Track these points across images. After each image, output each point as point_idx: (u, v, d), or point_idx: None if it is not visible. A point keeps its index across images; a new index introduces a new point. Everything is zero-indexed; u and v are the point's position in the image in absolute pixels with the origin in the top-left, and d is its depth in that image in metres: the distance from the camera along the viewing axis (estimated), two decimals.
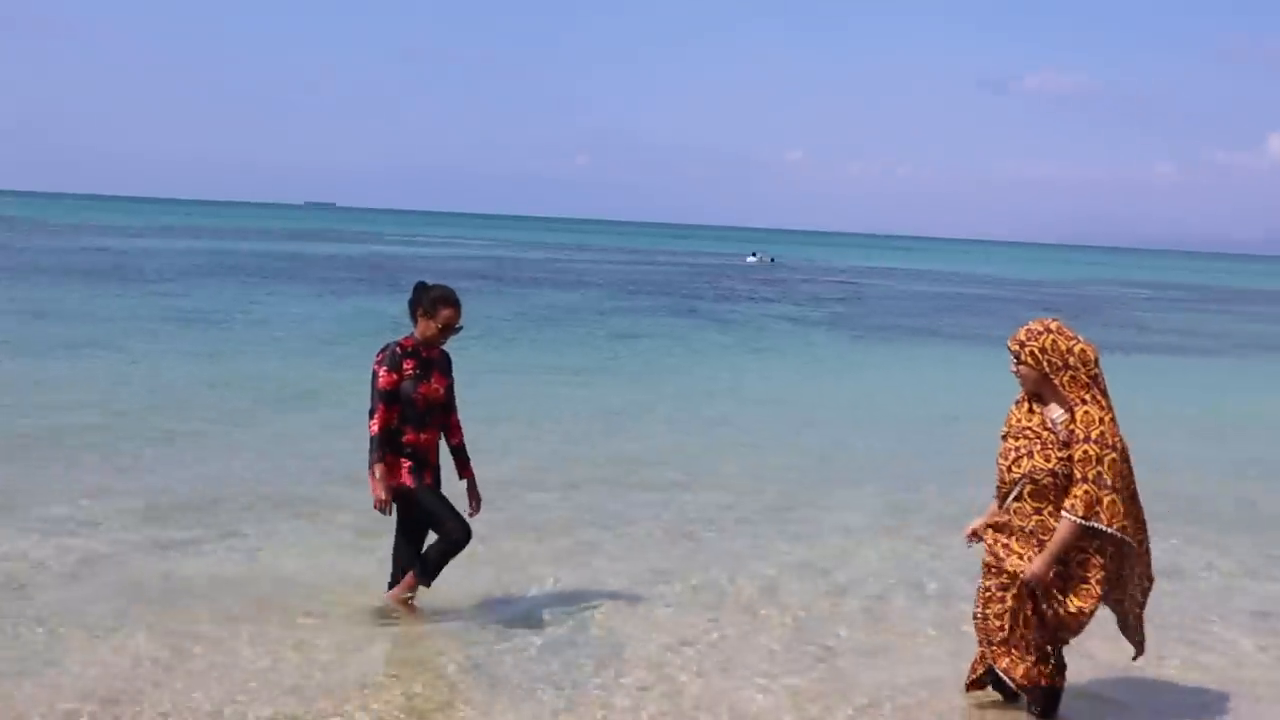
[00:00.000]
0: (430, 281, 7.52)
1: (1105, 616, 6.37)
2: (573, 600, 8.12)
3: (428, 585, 7.51)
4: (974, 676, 6.56)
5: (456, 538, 7.33)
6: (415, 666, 6.84)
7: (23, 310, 27.59)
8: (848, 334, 33.85)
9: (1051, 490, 5.97)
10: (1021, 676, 6.25)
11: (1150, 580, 6.33)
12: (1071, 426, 5.93)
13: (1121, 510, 5.92)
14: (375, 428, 7.19)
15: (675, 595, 8.40)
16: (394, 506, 7.33)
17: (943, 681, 6.87)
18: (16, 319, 25.80)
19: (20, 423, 13.72)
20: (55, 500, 10.20)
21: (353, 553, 8.95)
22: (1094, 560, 6.02)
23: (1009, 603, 6.12)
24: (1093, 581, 6.05)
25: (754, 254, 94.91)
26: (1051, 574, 5.97)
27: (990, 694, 6.55)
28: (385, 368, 7.20)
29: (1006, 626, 6.16)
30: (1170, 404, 20.76)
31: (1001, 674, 6.30)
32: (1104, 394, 6.00)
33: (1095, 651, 7.27)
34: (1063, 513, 5.90)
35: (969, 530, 6.36)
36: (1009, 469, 6.10)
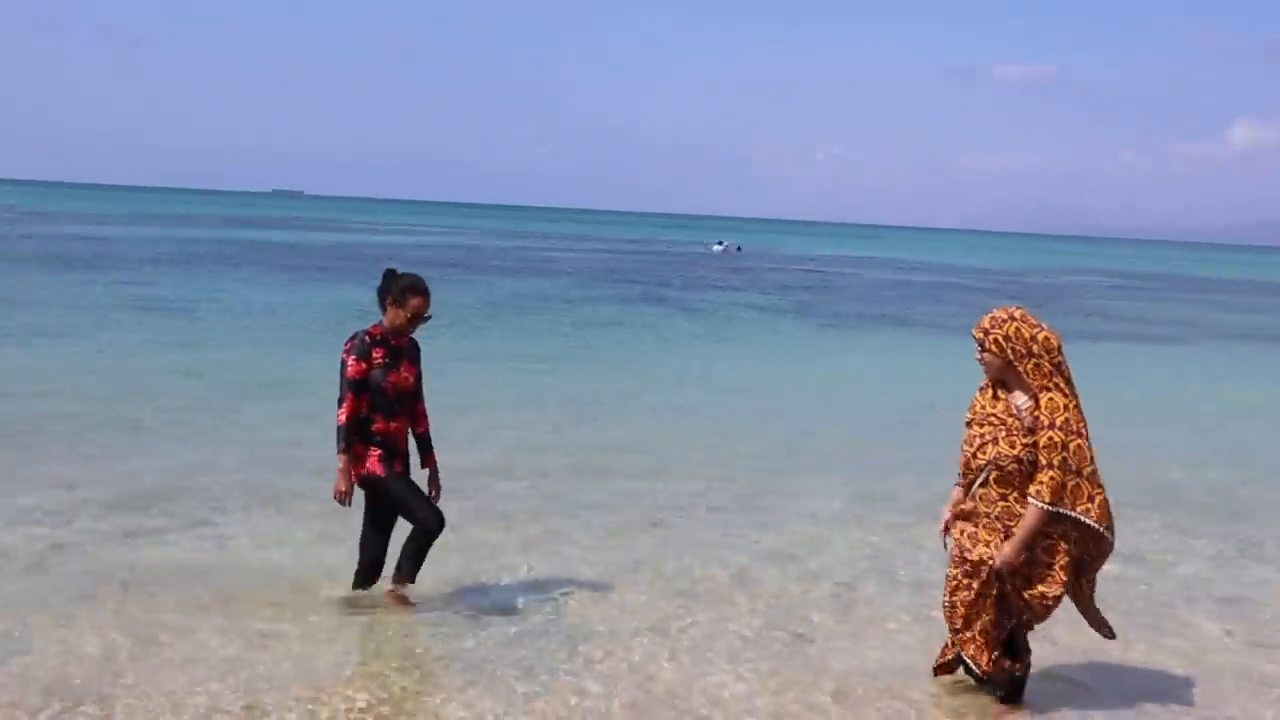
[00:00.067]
0: (399, 269, 7.49)
1: (1068, 602, 6.42)
2: (544, 588, 8.13)
3: (413, 581, 7.50)
4: (943, 660, 6.62)
5: (430, 527, 7.33)
6: (387, 655, 6.83)
7: None
8: (815, 322, 33.95)
9: (1016, 476, 6.02)
10: (986, 663, 6.31)
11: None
12: (1036, 413, 5.98)
13: (1085, 494, 5.99)
14: (343, 417, 7.15)
15: (646, 583, 8.42)
16: (362, 495, 7.33)
17: (914, 668, 6.91)
18: None
19: None
20: (22, 489, 10.14)
21: (323, 542, 8.92)
22: (1059, 546, 6.07)
23: (975, 590, 6.17)
24: (1057, 567, 6.11)
25: (721, 243, 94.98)
26: (1021, 560, 6.02)
27: (959, 677, 6.61)
28: (354, 356, 7.17)
29: (973, 614, 6.20)
30: (1136, 392, 20.93)
31: (968, 660, 6.37)
32: (1068, 381, 6.05)
33: (1060, 636, 7.33)
34: (1029, 499, 5.95)
35: (944, 524, 6.40)
36: (974, 455, 6.15)
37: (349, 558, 7.81)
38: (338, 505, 7.29)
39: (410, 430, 7.47)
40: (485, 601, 7.80)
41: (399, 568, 7.47)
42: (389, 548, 7.59)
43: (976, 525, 6.17)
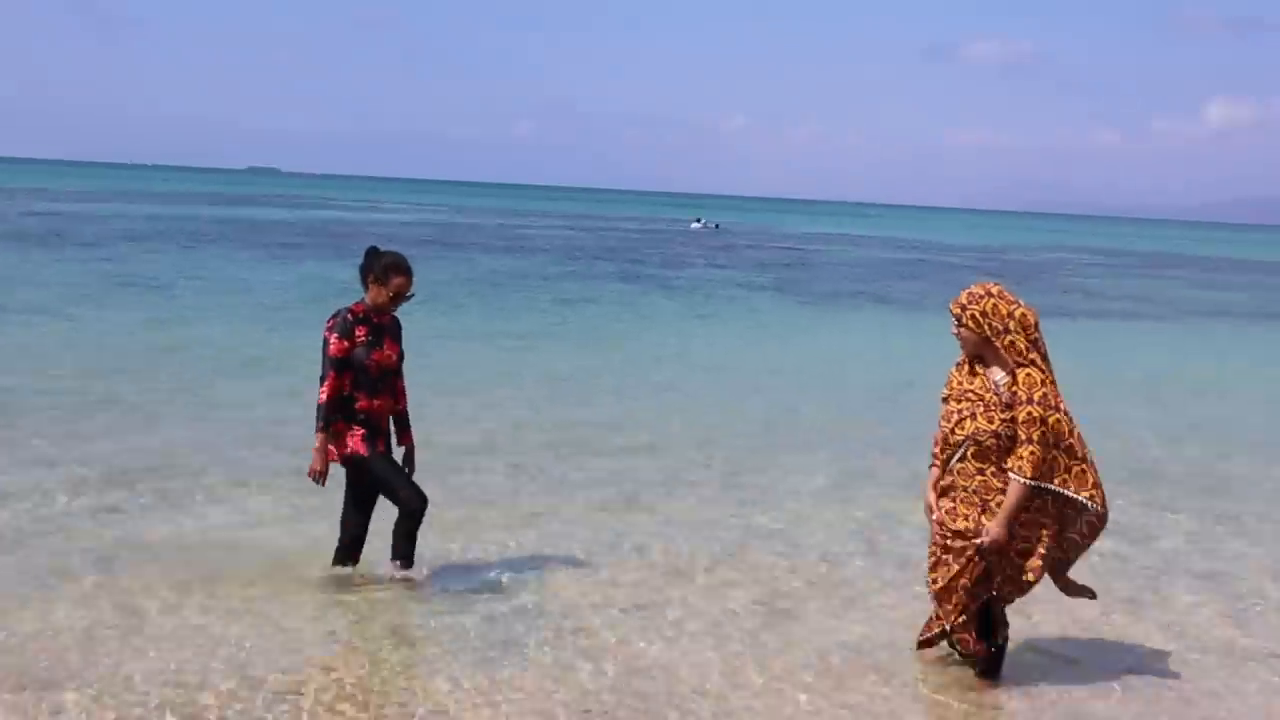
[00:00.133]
0: (381, 247, 7.46)
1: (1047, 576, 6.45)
2: (526, 566, 8.13)
3: (411, 564, 7.47)
4: (926, 636, 6.65)
5: (413, 508, 7.31)
6: (372, 632, 6.84)
7: None
8: (793, 299, 33.98)
9: (994, 451, 6.06)
10: (966, 639, 6.37)
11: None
12: (1014, 388, 6.02)
13: (1064, 466, 6.03)
14: (324, 395, 7.13)
15: (628, 560, 8.44)
16: (339, 473, 7.32)
17: (896, 643, 6.96)
18: None
19: None
20: (0, 467, 10.08)
21: (305, 519, 8.90)
22: (1039, 521, 6.12)
23: (956, 565, 6.20)
24: (1034, 541, 6.16)
25: (698, 220, 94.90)
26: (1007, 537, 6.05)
27: (941, 651, 6.67)
28: (336, 335, 7.13)
29: (955, 588, 6.24)
30: (1113, 368, 21.04)
31: (950, 636, 6.42)
32: (1044, 358, 6.10)
33: (1038, 610, 7.38)
34: (1011, 475, 5.98)
35: (927, 506, 6.43)
36: (952, 431, 6.18)
37: (331, 535, 7.80)
38: (333, 483, 7.27)
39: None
40: (469, 579, 7.80)
41: (396, 555, 7.43)
42: (369, 526, 7.59)
43: (954, 500, 6.21)
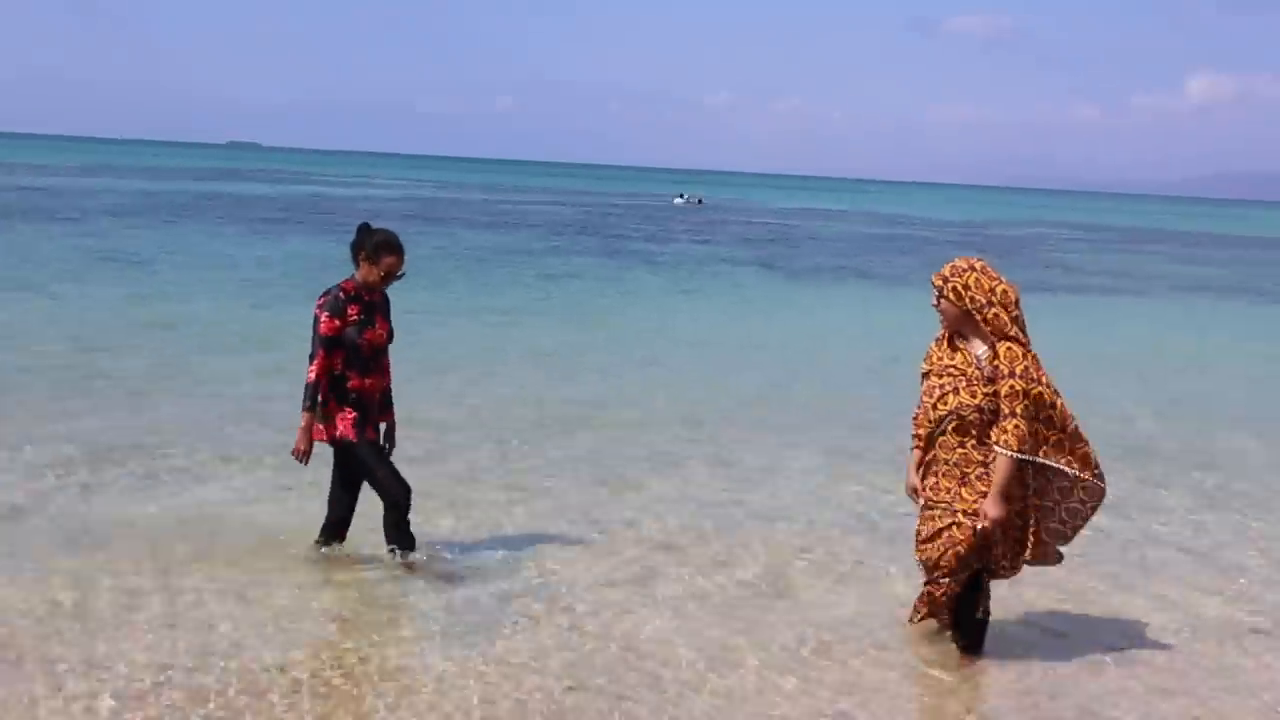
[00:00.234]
0: (372, 225, 7.40)
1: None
2: (514, 544, 8.13)
3: (413, 549, 7.45)
4: (917, 612, 6.67)
5: (395, 498, 7.30)
6: (361, 613, 6.83)
7: None
8: (779, 274, 33.98)
9: (975, 426, 6.09)
10: (948, 613, 6.43)
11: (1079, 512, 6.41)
12: (995, 363, 6.04)
13: (1046, 438, 6.06)
14: (313, 374, 7.09)
15: (619, 537, 8.45)
16: (326, 453, 7.31)
17: (883, 618, 7.01)
18: None
19: None
20: None
21: (292, 498, 8.88)
22: (1023, 494, 6.15)
23: (942, 540, 6.23)
24: (1028, 516, 6.21)
25: (682, 195, 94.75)
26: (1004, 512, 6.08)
27: (934, 626, 6.71)
28: (327, 313, 7.08)
29: (941, 564, 6.26)
30: (1096, 344, 21.14)
31: (937, 612, 6.47)
32: (1023, 333, 6.12)
33: (1026, 584, 7.39)
34: (996, 449, 6.01)
35: (909, 489, 6.46)
36: (934, 406, 6.21)
37: (320, 513, 7.78)
38: (320, 462, 7.26)
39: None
40: (458, 557, 7.79)
41: (391, 544, 7.41)
42: (356, 507, 7.58)
43: (936, 476, 6.24)
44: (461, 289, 25.19)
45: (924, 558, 6.38)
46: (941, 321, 6.25)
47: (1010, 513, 6.12)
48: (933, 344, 6.36)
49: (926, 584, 6.44)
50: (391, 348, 7.46)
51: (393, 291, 7.42)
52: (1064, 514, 6.31)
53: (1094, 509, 6.36)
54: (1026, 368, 6.01)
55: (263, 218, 46.15)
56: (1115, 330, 24.55)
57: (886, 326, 22.82)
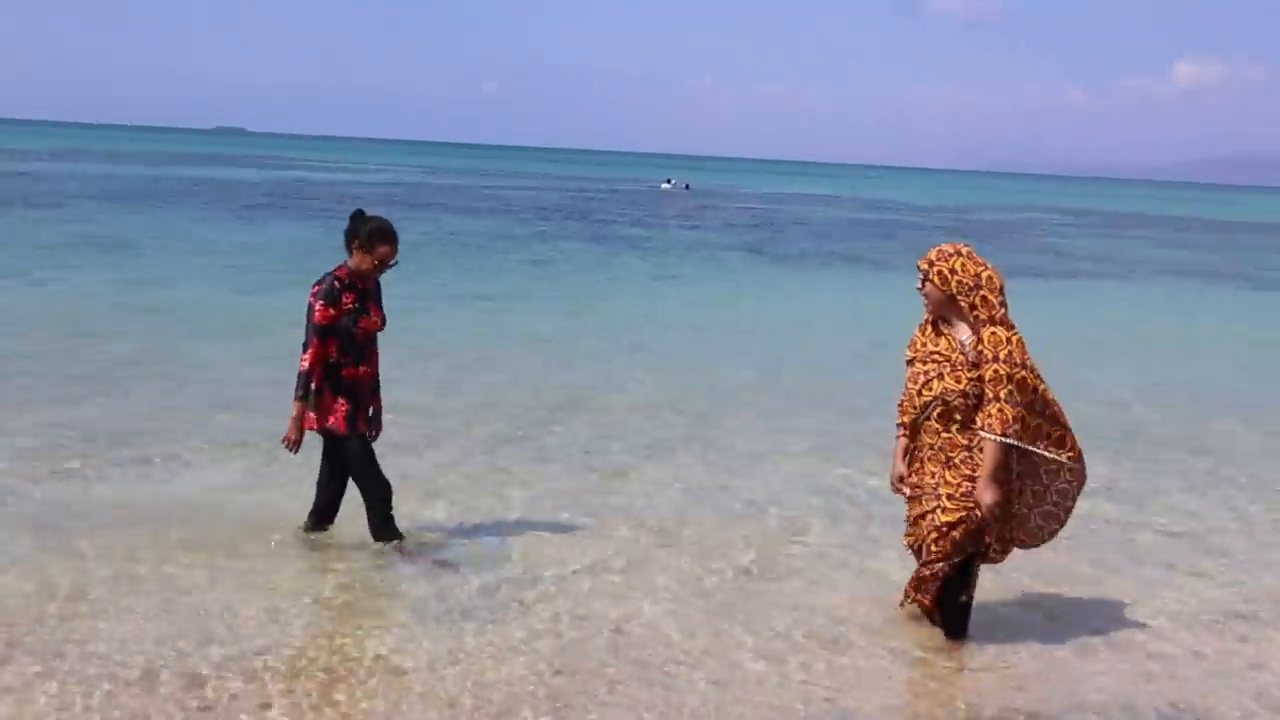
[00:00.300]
0: (366, 211, 7.36)
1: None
2: (507, 531, 8.14)
3: (402, 538, 7.46)
4: (912, 598, 6.69)
5: (376, 496, 7.32)
6: (354, 600, 6.85)
7: None
8: (767, 260, 33.98)
9: (959, 411, 6.11)
10: (932, 600, 6.43)
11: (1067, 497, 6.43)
12: (979, 347, 6.05)
13: (1032, 425, 6.08)
14: (307, 363, 7.06)
15: (612, 524, 8.45)
16: (319, 440, 7.31)
17: (882, 604, 7.03)
18: None
19: None
20: None
21: (281, 485, 8.84)
22: (1003, 477, 6.17)
23: (926, 523, 6.26)
24: (1021, 501, 6.25)
25: (669, 180, 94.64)
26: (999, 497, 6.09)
27: (914, 613, 6.73)
28: (322, 302, 7.05)
29: (934, 549, 6.27)
30: (1086, 328, 21.19)
31: (925, 596, 6.47)
32: (1008, 318, 6.13)
33: (1017, 568, 7.42)
34: (982, 434, 6.02)
35: (895, 478, 6.47)
36: (919, 392, 6.23)
37: (309, 500, 7.77)
38: (310, 449, 7.25)
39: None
40: (452, 544, 7.80)
41: (379, 539, 7.41)
42: (345, 493, 7.58)
43: (922, 461, 6.26)
44: (449, 274, 25.14)
45: (912, 542, 6.44)
46: (926, 306, 6.26)
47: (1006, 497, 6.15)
48: (917, 331, 6.38)
49: (921, 566, 6.45)
50: (380, 334, 7.45)
51: (380, 276, 7.41)
52: (1055, 495, 6.33)
53: (1079, 490, 6.38)
54: (1010, 352, 6.03)
55: (248, 203, 45.99)
56: (1102, 315, 24.59)
57: (874, 311, 22.84)
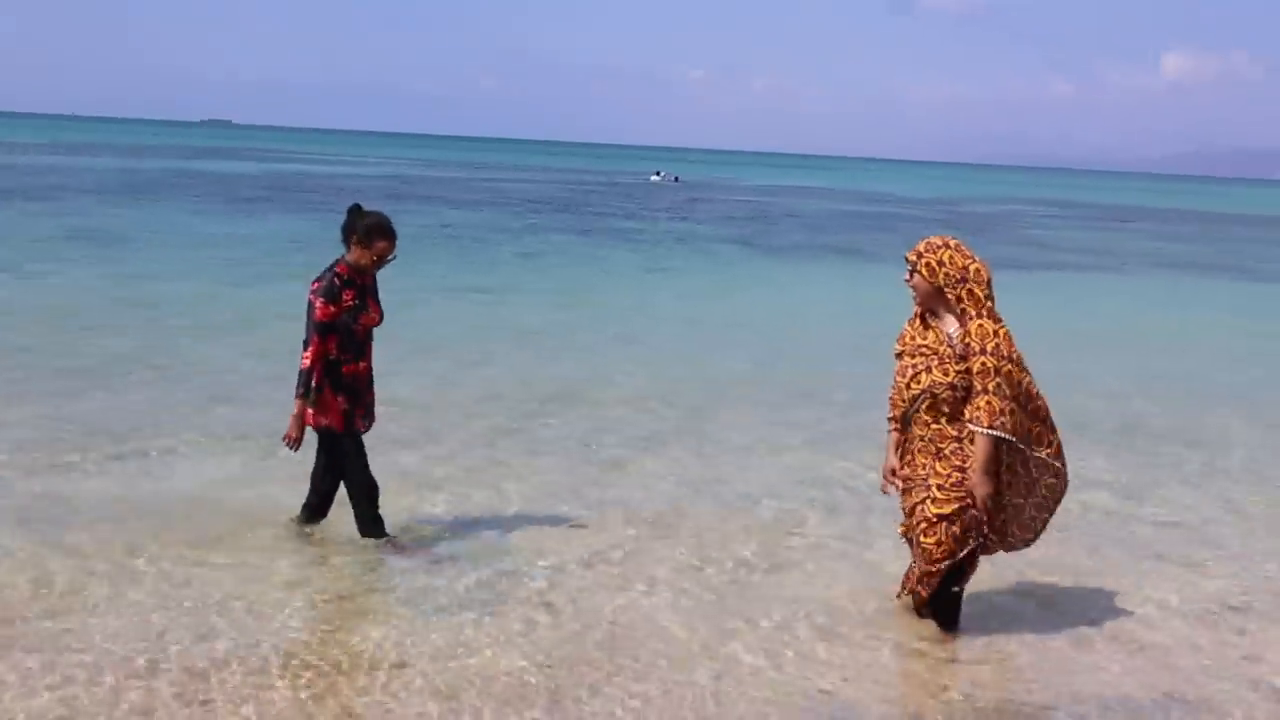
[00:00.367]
0: (364, 207, 7.35)
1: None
2: (504, 524, 8.15)
3: (389, 534, 7.48)
4: (909, 589, 6.71)
5: (363, 494, 7.35)
6: (352, 594, 6.86)
7: None
8: (758, 252, 34.00)
9: (948, 403, 6.15)
10: (925, 592, 6.47)
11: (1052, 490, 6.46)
12: (967, 340, 6.08)
13: (1021, 418, 6.11)
14: (308, 361, 7.04)
15: (606, 517, 8.47)
16: (314, 436, 7.32)
17: (881, 596, 7.05)
18: None
19: None
20: None
21: (279, 480, 8.80)
22: (993, 468, 6.19)
23: (917, 515, 6.29)
24: (1016, 492, 6.28)
25: (658, 173, 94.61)
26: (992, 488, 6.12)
27: (906, 604, 6.75)
28: (322, 299, 7.03)
29: (921, 540, 6.30)
30: (1076, 321, 21.21)
31: (921, 587, 6.50)
32: (995, 311, 6.15)
33: (1014, 560, 7.44)
34: (970, 426, 6.05)
35: (886, 472, 6.50)
36: (908, 386, 6.27)
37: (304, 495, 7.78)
38: (307, 444, 7.26)
39: None
40: (448, 537, 7.82)
41: (367, 536, 7.43)
42: (338, 489, 7.59)
43: (913, 453, 6.30)
44: (442, 267, 25.09)
45: (905, 531, 6.47)
46: (914, 298, 6.29)
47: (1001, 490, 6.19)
48: (906, 324, 6.41)
49: (926, 564, 6.46)
50: (376, 328, 7.45)
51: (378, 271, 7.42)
52: (1044, 489, 6.36)
53: (1065, 486, 6.41)
54: (998, 345, 6.05)
55: (243, 196, 45.91)
56: (1096, 307, 24.62)
57: (866, 303, 22.83)
